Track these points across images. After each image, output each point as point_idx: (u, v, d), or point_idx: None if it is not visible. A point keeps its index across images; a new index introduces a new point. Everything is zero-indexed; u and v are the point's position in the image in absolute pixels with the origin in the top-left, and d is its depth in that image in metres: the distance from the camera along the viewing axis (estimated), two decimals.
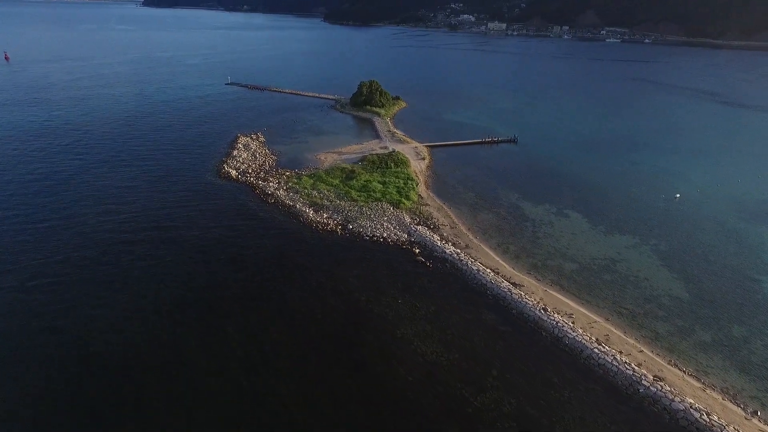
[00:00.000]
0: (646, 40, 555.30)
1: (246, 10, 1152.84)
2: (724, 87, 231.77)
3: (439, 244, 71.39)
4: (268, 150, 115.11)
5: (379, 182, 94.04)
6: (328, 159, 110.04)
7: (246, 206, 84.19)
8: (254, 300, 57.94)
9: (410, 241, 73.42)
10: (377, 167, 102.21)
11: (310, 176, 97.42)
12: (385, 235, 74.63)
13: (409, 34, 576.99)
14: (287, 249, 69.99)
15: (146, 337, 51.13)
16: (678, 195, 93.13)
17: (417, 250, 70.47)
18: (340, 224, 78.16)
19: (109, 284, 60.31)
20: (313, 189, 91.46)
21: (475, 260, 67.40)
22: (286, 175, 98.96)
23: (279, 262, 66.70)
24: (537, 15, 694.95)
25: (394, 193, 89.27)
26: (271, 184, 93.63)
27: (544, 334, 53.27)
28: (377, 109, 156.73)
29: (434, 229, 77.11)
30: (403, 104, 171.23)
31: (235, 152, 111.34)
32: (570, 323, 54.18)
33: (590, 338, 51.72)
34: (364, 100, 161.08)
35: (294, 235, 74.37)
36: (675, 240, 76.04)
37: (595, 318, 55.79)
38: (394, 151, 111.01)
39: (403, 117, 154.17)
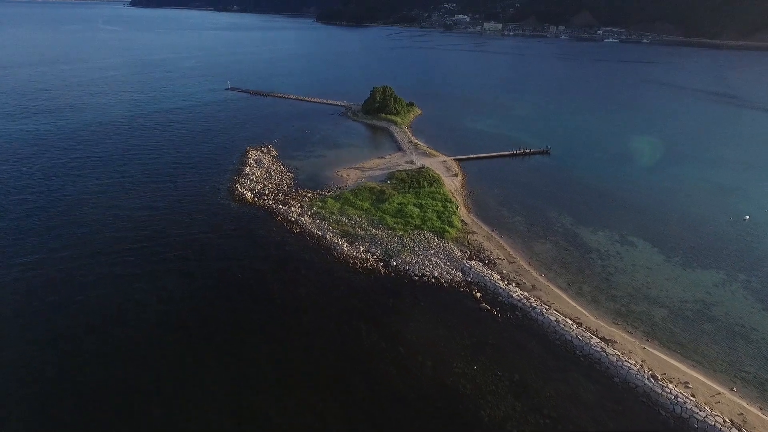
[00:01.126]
0: (644, 40, 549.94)
1: (236, 10, 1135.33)
2: (741, 89, 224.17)
3: (502, 285, 60.99)
4: (283, 166, 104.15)
5: (414, 205, 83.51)
6: (350, 176, 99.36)
7: (268, 237, 73.32)
8: (298, 368, 47.39)
9: (467, 281, 62.98)
10: (409, 186, 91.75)
11: (335, 198, 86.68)
12: (436, 273, 64.13)
13: (405, 35, 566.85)
14: (326, 295, 59.42)
15: (163, 415, 40.08)
16: (747, 216, 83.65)
17: (478, 294, 60.06)
18: (382, 260, 67.55)
19: (116, 341, 49.21)
20: (342, 214, 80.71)
21: (550, 307, 57.14)
22: (308, 197, 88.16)
23: (318, 311, 56.11)
24: (532, 15, 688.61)
25: (435, 218, 78.79)
26: (293, 208, 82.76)
27: (663, 413, 43.18)
28: (393, 117, 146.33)
29: (490, 264, 66.72)
30: (418, 111, 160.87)
31: (247, 169, 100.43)
32: (690, 397, 44.01)
33: (724, 420, 41.72)
34: (378, 107, 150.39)
35: (330, 275, 63.65)
36: (766, 274, 66.15)
37: (717, 388, 45.80)
38: (423, 167, 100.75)
39: (421, 125, 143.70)
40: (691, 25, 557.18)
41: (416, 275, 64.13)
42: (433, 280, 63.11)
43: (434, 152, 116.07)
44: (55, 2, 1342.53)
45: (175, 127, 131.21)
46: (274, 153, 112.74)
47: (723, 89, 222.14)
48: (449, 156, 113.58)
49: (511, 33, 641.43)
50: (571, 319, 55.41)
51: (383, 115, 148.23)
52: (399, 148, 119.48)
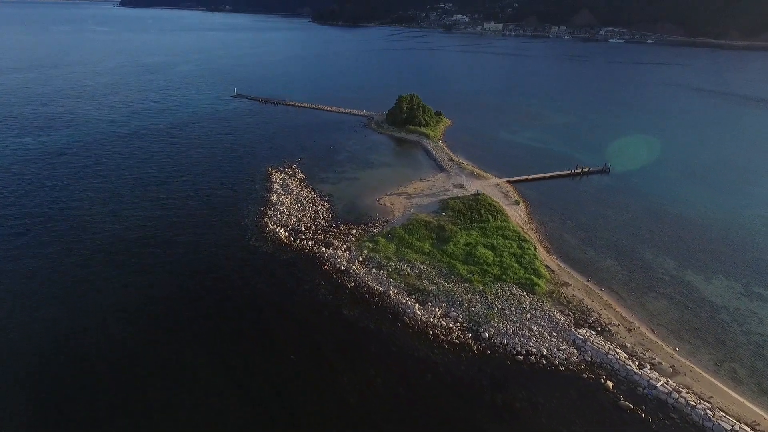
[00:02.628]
0: (649, 41, 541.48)
1: (228, 10, 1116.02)
2: None
3: (635, 369, 46.97)
4: (314, 192, 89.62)
5: (485, 246, 69.28)
6: (396, 205, 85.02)
7: (317, 295, 58.90)
8: None
9: (586, 361, 48.83)
10: (469, 220, 77.71)
11: (387, 237, 72.23)
12: (543, 350, 49.80)
13: (404, 35, 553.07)
14: (412, 388, 45.17)
15: None
16: None
17: (609, 384, 45.79)
18: (469, 330, 53.28)
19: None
20: (401, 260, 66.31)
21: (712, 405, 43.25)
22: (353, 235, 73.68)
23: (409, 418, 41.50)
24: (531, 15, 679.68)
25: (515, 265, 64.56)
26: (339, 252, 68.16)
27: None
28: (423, 129, 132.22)
29: (605, 333, 52.82)
30: (448, 122, 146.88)
31: (274, 197, 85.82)
32: None
33: None
34: (406, 118, 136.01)
35: (407, 354, 49.42)
36: None
37: None
38: (479, 194, 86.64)
39: (455, 139, 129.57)
40: (693, 25, 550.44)
41: (518, 352, 49.88)
42: (543, 361, 48.80)
43: (482, 173, 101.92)
44: (43, 2, 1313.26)
45: (185, 144, 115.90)
46: (300, 175, 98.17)
47: (762, 94, 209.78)
48: (500, 177, 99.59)
49: (512, 33, 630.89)
50: (748, 425, 41.22)
51: (412, 126, 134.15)
52: (440, 168, 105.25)
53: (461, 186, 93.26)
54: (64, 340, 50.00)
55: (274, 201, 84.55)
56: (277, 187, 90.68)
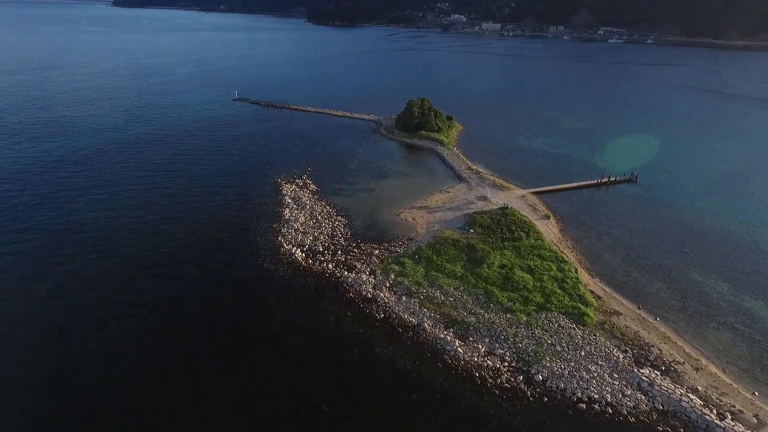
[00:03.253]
0: (648, 41, 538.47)
1: (223, 10, 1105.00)
2: None
3: (717, 422, 41.59)
4: (329, 206, 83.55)
5: (522, 269, 63.48)
6: (418, 221, 79.04)
7: (343, 328, 53.05)
8: None
9: (657, 410, 43.11)
10: (500, 237, 72.02)
11: (414, 259, 66.25)
12: (607, 397, 44.09)
13: (402, 36, 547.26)
14: None
15: None
16: None
17: None
18: (519, 371, 47.32)
19: None
20: (432, 285, 60.40)
21: None
22: (376, 256, 67.74)
23: None
24: (530, 15, 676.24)
25: (558, 291, 58.73)
26: (363, 276, 62.14)
27: None
28: (435, 135, 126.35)
29: (670, 373, 47.17)
30: (459, 127, 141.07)
31: (286, 212, 79.66)
32: None
33: None
34: (417, 123, 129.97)
35: (453, 401, 43.82)
36: None
37: None
38: (507, 208, 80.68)
39: (470, 145, 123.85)
40: (692, 26, 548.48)
41: (580, 399, 44.08)
42: (609, 410, 43.01)
43: (504, 183, 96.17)
44: (32, 2, 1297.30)
45: (188, 154, 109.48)
46: (312, 187, 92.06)
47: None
48: (524, 188, 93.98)
49: (511, 33, 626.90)
50: None
51: (424, 132, 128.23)
52: (459, 178, 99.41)
53: (485, 198, 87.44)
54: (65, 378, 44.15)
55: (287, 216, 78.39)
56: (289, 201, 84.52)
